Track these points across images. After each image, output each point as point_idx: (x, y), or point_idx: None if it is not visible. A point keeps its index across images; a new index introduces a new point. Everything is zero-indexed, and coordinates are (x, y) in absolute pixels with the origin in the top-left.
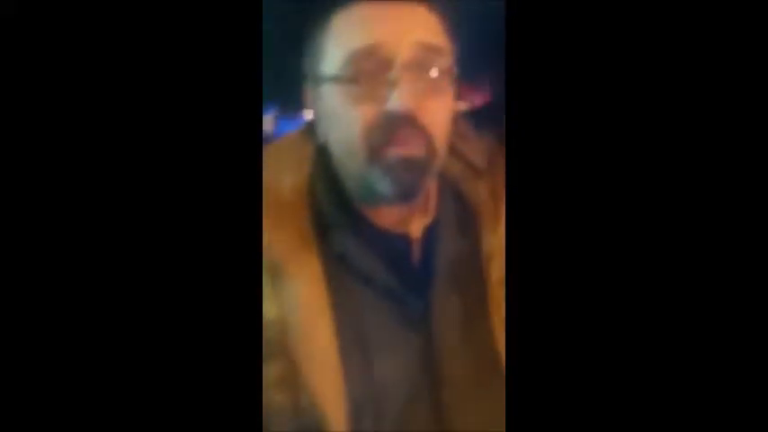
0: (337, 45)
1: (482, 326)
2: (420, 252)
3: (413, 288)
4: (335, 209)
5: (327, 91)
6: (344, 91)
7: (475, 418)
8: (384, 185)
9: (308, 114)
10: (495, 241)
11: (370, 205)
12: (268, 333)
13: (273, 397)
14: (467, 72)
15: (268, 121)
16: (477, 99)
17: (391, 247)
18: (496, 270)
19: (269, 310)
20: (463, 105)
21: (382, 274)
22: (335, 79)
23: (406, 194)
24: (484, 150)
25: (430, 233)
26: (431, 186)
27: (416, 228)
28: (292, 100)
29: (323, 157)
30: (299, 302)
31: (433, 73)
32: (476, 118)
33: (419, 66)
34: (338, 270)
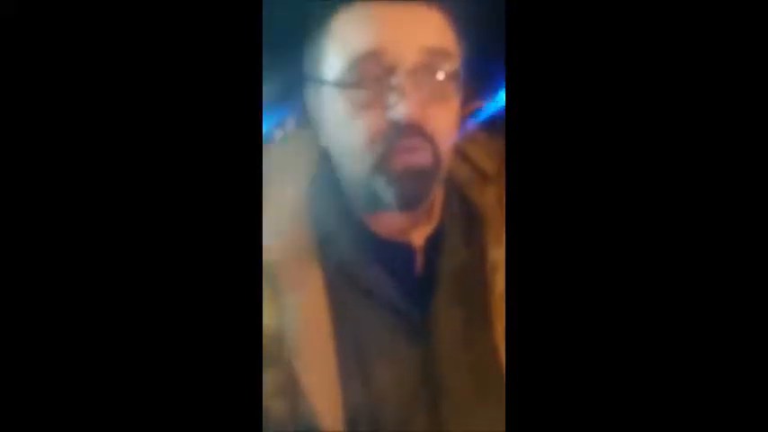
0: (340, 48)
1: (484, 337)
2: (422, 261)
3: (414, 298)
4: (336, 217)
5: (330, 95)
6: (348, 96)
7: (476, 427)
8: (389, 195)
9: (309, 118)
10: (500, 251)
11: (372, 213)
12: (267, 342)
13: (273, 405)
14: (475, 73)
15: (269, 125)
16: (487, 101)
17: (393, 256)
18: (500, 281)
19: (269, 319)
20: (472, 108)
21: (383, 285)
22: (338, 84)
23: (411, 203)
24: (493, 154)
25: (433, 242)
26: (436, 193)
27: (419, 236)
28: (294, 103)
29: (324, 162)
30: (298, 312)
31: (440, 77)
32: (486, 121)
33: (425, 71)
34: (339, 280)
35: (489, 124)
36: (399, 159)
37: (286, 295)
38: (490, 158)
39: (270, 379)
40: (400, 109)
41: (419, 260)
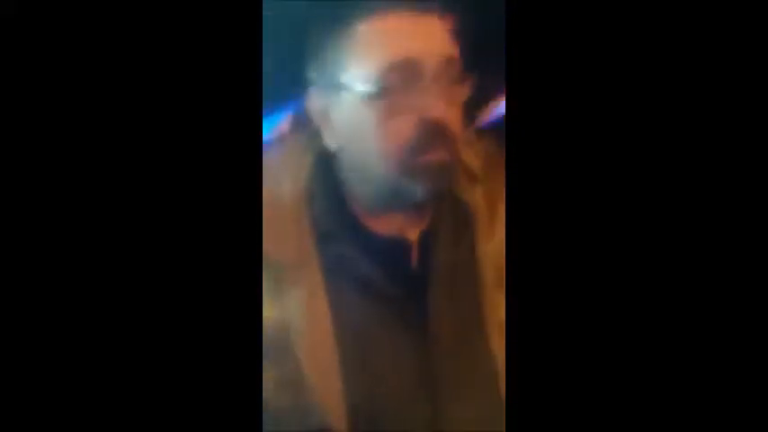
0: (363, 57)
1: (478, 328)
2: (418, 256)
3: (411, 291)
4: (334, 216)
5: (348, 100)
6: (371, 101)
7: (472, 416)
8: (417, 190)
9: (309, 122)
10: (490, 247)
11: (377, 213)
12: (271, 336)
13: (277, 398)
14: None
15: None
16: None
17: (390, 252)
18: (490, 274)
19: (272, 314)
20: (474, 111)
21: (381, 279)
22: (364, 89)
23: (437, 197)
24: (482, 156)
25: (426, 238)
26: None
27: (413, 232)
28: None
29: (324, 164)
30: (300, 307)
31: (452, 82)
32: (476, 124)
33: (442, 77)
34: (338, 275)
35: (477, 127)
36: (428, 159)
37: (288, 292)
38: (478, 159)
39: (273, 372)
40: (424, 111)
41: (415, 255)
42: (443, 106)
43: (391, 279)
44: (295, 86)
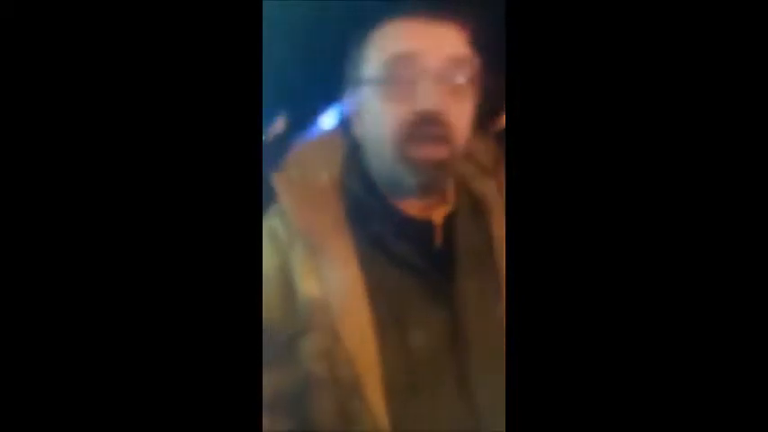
0: (378, 52)
1: (497, 300)
2: (442, 236)
3: (437, 267)
4: (367, 199)
5: (366, 92)
6: (381, 91)
7: (497, 383)
8: (411, 182)
9: (337, 116)
10: (502, 233)
11: (397, 197)
12: (309, 309)
13: (314, 368)
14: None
15: (278, 125)
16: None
17: (417, 231)
18: (503, 256)
19: (310, 288)
20: (485, 110)
21: (410, 255)
22: (374, 82)
23: (430, 190)
24: (490, 149)
25: (450, 220)
26: (450, 181)
27: (439, 215)
28: (300, 105)
29: (355, 153)
30: (336, 281)
31: (459, 81)
32: (483, 121)
33: (446, 75)
34: (371, 252)
35: (483, 122)
36: (422, 150)
37: (325, 267)
38: (488, 153)
39: (311, 343)
40: (424, 104)
41: (439, 235)
42: (441, 100)
43: (420, 255)
44: (328, 84)
